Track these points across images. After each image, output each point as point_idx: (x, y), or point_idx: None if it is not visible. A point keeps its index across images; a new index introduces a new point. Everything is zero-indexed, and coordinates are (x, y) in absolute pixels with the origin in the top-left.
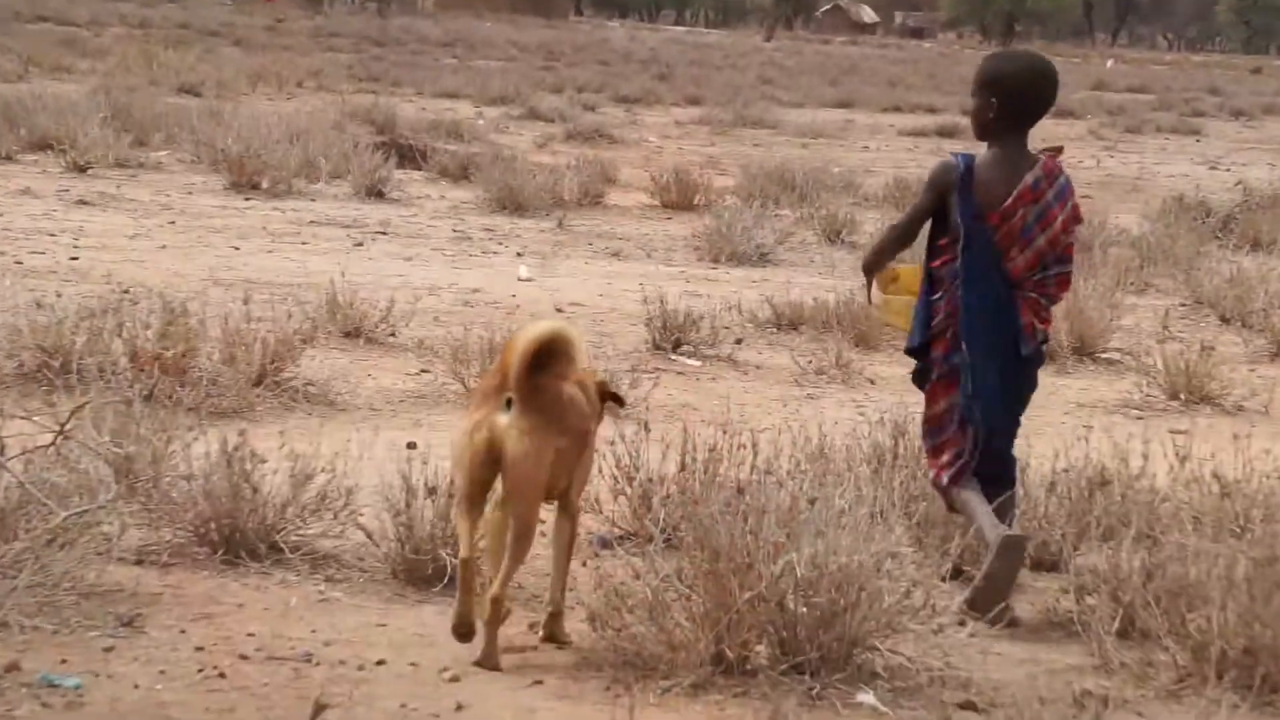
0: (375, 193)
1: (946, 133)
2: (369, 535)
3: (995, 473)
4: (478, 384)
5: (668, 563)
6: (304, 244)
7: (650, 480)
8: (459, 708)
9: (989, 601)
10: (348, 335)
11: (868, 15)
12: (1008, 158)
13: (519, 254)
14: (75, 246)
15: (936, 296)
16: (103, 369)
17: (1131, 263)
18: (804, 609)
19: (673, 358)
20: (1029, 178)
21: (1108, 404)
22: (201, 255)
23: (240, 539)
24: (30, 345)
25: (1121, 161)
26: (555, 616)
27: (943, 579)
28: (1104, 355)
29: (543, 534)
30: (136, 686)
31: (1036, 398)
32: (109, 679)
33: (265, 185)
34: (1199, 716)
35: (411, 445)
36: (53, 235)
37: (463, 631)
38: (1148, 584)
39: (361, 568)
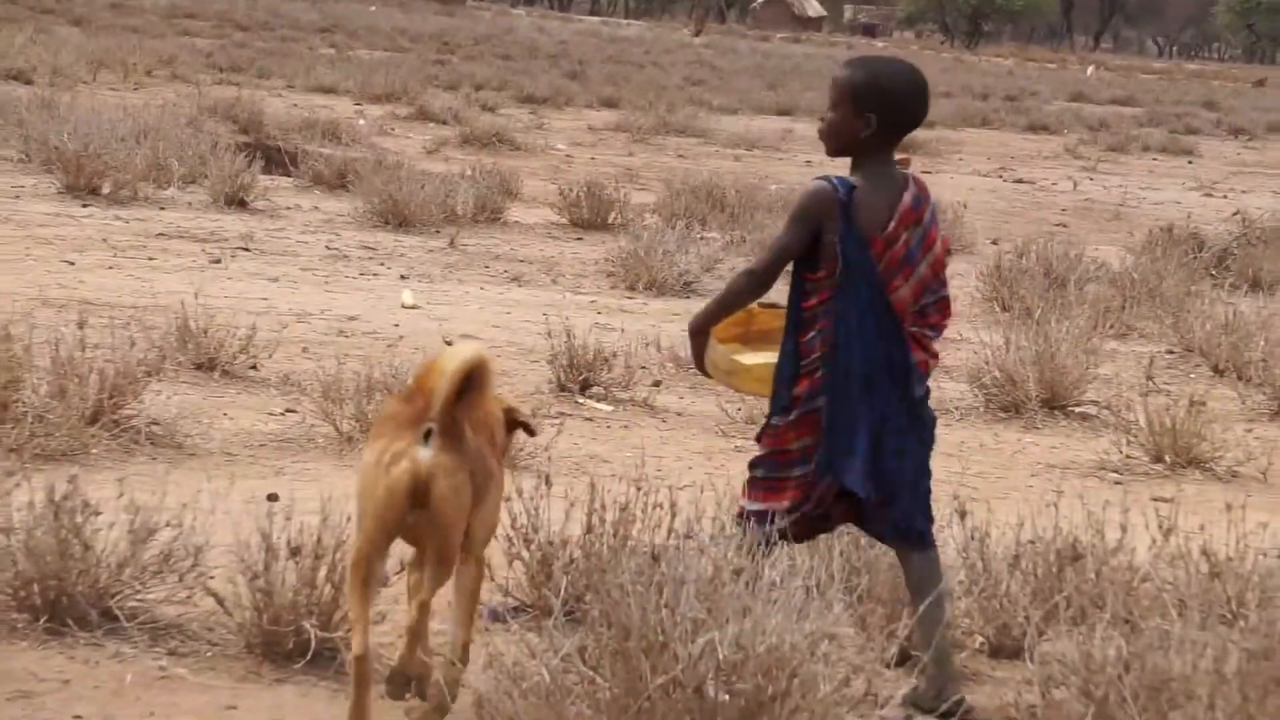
0: (237, 202)
1: (901, 147)
2: (220, 602)
3: (901, 529)
4: (384, 409)
5: (569, 640)
6: (151, 260)
7: (551, 543)
8: None
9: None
10: (200, 368)
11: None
12: (881, 178)
13: (403, 276)
14: None
15: (809, 337)
16: None
17: (1112, 303)
18: (726, 697)
19: (580, 401)
20: (907, 198)
21: (1081, 466)
22: (29, 270)
23: (68, 604)
24: None
25: (1102, 185)
26: (451, 672)
27: (887, 665)
28: (1078, 409)
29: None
30: None
31: (999, 459)
32: None
33: (106, 190)
34: None
35: (273, 497)
36: None
37: None
38: (1124, 676)
39: (210, 640)
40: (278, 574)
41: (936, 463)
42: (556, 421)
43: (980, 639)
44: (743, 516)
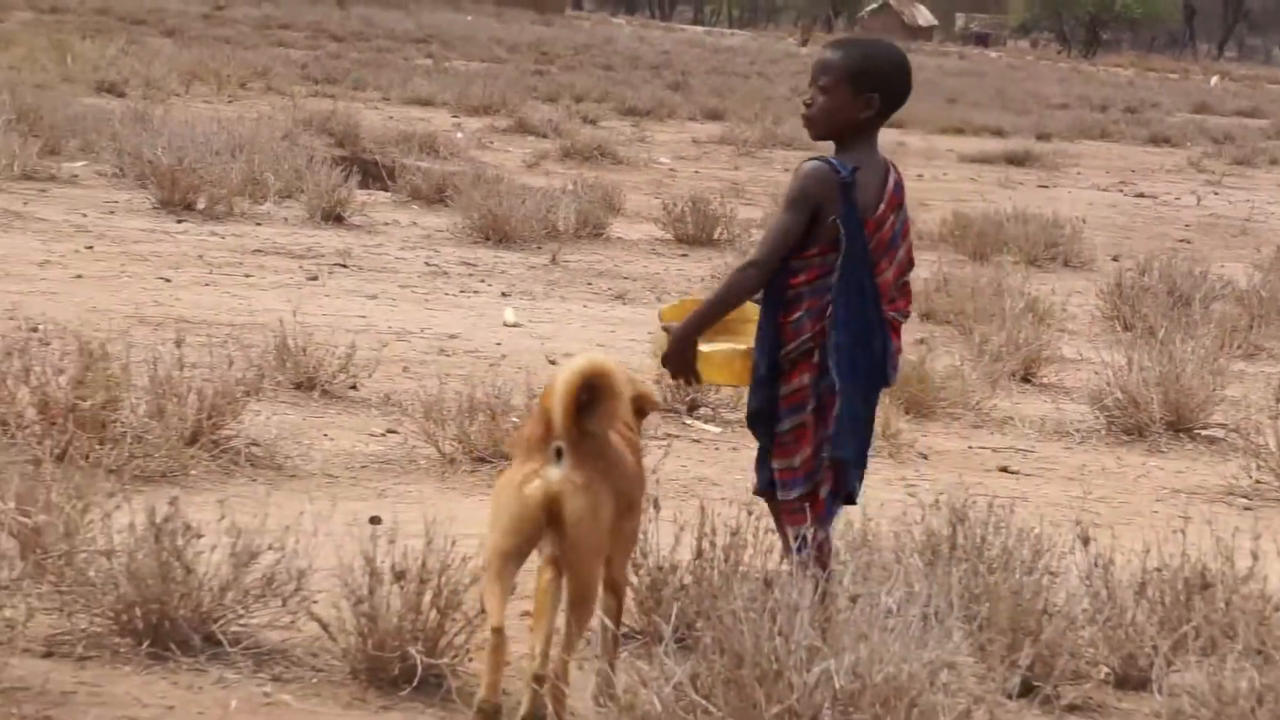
0: (333, 217)
1: (1016, 160)
2: (324, 627)
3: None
4: (520, 431)
5: (681, 668)
6: (248, 277)
7: (660, 569)
8: None
9: None
10: (299, 387)
11: (923, 17)
12: (870, 160)
13: (504, 294)
14: None
15: (796, 317)
16: (5, 422)
17: (1239, 321)
18: None
19: (688, 422)
20: (892, 180)
21: (1208, 491)
22: (125, 288)
23: (170, 628)
24: None
25: (1228, 200)
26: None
27: (1009, 696)
28: (1204, 432)
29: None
30: None
31: (1122, 483)
32: None
33: (201, 205)
34: None
35: (375, 520)
36: None
37: (488, 713)
38: (1257, 710)
39: (315, 665)
40: (382, 599)
41: (1057, 486)
42: (664, 443)
43: (1105, 669)
44: (798, 545)
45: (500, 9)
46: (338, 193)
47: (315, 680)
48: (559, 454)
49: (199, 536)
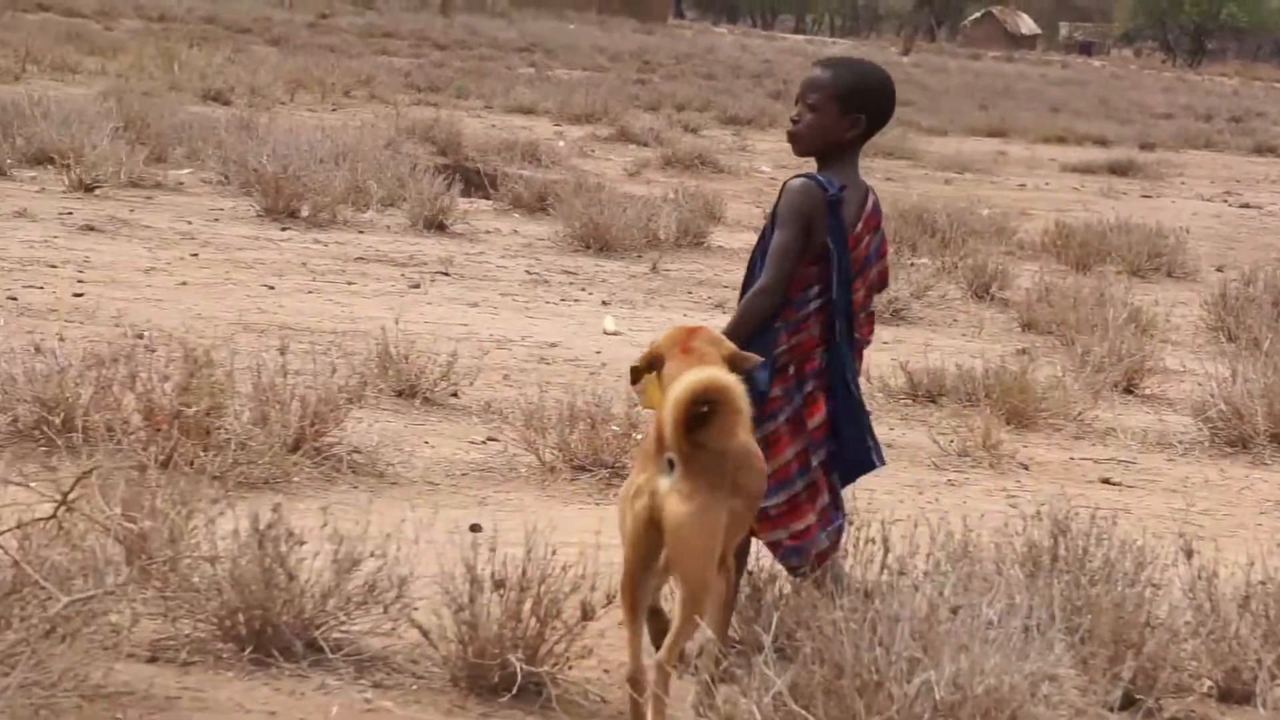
0: (435, 225)
1: (1119, 170)
2: (425, 634)
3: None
4: (639, 444)
5: (781, 677)
6: (350, 284)
7: (760, 578)
8: None
9: None
10: (401, 395)
11: (1026, 26)
12: (853, 179)
13: (605, 302)
14: (80, 281)
15: (779, 324)
16: (112, 428)
17: None
18: None
19: None
20: (871, 202)
21: None
22: (229, 295)
23: (273, 634)
24: (27, 398)
25: None
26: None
27: (1111, 709)
28: None
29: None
30: None
31: (1225, 495)
32: None
33: (305, 213)
34: None
35: (476, 528)
36: (54, 266)
37: None
38: None
39: (416, 672)
40: (482, 606)
41: (1159, 498)
42: None
43: (1208, 683)
44: (781, 554)
45: (603, 18)
46: (440, 201)
47: (415, 687)
48: (671, 465)
49: (302, 543)
